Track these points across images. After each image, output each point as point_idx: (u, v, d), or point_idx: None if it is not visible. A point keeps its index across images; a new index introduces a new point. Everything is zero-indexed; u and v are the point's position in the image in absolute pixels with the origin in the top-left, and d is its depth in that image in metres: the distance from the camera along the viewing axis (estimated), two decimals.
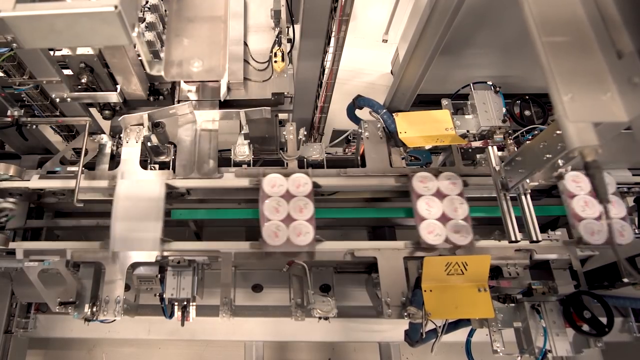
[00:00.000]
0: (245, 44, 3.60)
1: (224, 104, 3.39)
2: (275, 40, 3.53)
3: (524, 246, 3.01)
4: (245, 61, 3.52)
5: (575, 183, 3.04)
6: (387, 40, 6.04)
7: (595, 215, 2.92)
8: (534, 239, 2.83)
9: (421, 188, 3.13)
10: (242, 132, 3.26)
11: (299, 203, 3.05)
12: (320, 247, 3.04)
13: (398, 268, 3.00)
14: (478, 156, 3.28)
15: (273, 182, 3.12)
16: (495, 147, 3.06)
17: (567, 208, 3.00)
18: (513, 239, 2.83)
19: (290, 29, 3.57)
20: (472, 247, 2.98)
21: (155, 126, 3.22)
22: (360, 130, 3.44)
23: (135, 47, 3.06)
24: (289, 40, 3.59)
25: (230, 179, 3.20)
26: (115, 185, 3.09)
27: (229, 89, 3.37)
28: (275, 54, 3.43)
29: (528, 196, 2.91)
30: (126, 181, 3.11)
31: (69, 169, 3.25)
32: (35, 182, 3.22)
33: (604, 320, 2.83)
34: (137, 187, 3.10)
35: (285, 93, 3.44)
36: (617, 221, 2.93)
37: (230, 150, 3.31)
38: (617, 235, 2.87)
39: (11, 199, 3.32)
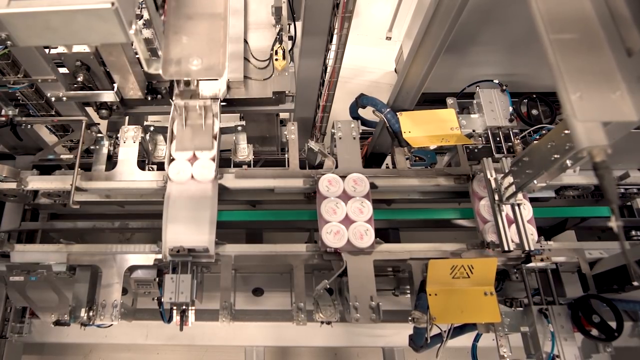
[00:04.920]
0: (246, 41, 3.54)
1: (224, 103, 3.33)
2: (276, 37, 3.45)
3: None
4: (246, 59, 3.46)
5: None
6: (390, 38, 6.00)
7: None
8: (527, 249, 2.87)
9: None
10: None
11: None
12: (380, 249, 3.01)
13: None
14: (474, 167, 3.24)
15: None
16: (490, 159, 3.05)
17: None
18: (506, 248, 2.86)
19: (292, 26, 3.51)
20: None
21: None
22: (333, 131, 3.40)
23: (132, 45, 3.01)
24: (290, 38, 3.53)
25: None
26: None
27: (228, 87, 3.32)
28: (276, 51, 3.36)
29: (522, 207, 2.95)
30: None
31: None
32: (30, 183, 3.18)
33: (613, 324, 2.79)
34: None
35: (287, 92, 3.38)
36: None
37: (230, 150, 3.26)
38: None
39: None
